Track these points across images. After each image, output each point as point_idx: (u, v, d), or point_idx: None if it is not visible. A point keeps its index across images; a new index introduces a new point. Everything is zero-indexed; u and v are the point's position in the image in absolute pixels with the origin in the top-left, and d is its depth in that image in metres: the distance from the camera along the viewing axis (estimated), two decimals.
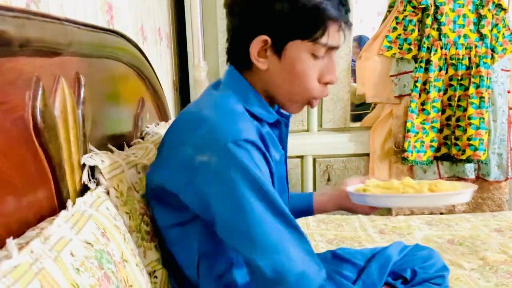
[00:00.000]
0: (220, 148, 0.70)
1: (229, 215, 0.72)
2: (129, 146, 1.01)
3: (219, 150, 0.71)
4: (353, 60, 2.46)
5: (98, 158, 0.75)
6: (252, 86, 0.83)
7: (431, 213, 2.20)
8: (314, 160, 2.38)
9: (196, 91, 2.18)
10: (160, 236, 0.86)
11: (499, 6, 2.12)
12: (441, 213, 2.17)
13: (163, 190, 0.80)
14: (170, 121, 1.42)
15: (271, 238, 0.70)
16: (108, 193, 0.75)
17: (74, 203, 0.65)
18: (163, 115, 1.45)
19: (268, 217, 0.70)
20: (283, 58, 0.79)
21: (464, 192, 0.87)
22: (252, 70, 0.83)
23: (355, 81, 2.61)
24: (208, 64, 2.18)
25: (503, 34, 2.16)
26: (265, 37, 0.78)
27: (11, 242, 0.45)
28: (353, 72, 2.49)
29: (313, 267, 0.73)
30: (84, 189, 0.74)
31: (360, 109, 2.89)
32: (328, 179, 2.39)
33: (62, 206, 0.66)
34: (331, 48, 0.80)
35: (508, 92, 2.27)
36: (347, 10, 0.80)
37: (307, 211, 1.12)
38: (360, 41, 3.34)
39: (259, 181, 0.70)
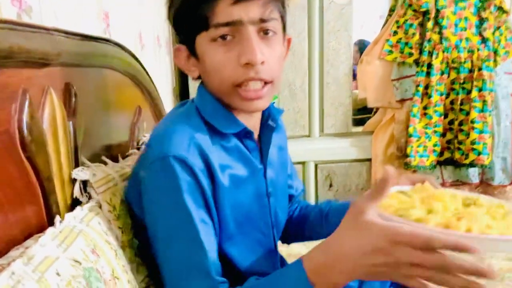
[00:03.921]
0: (149, 164, 0.71)
1: (150, 230, 0.73)
2: (126, 156, 0.99)
3: (148, 167, 0.72)
4: (354, 65, 2.44)
5: (89, 172, 0.73)
6: (213, 97, 0.80)
7: None
8: (316, 166, 2.36)
9: None
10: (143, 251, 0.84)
11: (500, 9, 2.10)
12: None
13: (129, 205, 0.80)
14: None
15: (173, 272, 0.70)
16: (100, 207, 0.73)
17: (64, 218, 0.63)
18: None
19: (175, 245, 0.70)
20: (199, 58, 0.77)
21: None
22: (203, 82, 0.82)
23: (356, 87, 2.59)
24: None
25: (506, 36, 2.14)
26: (177, 45, 0.79)
27: None
28: (354, 76, 2.47)
29: None
30: (76, 203, 0.72)
31: (362, 113, 2.87)
32: (330, 185, 2.37)
33: (52, 221, 0.64)
34: (233, 26, 0.71)
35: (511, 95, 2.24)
36: None
37: None
38: (361, 46, 3.32)
39: (178, 204, 0.69)
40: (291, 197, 1.06)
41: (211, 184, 0.74)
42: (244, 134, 0.81)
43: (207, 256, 0.69)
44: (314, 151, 2.34)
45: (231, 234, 0.78)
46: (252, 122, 0.83)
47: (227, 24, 0.71)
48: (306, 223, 1.03)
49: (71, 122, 0.74)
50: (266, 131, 0.86)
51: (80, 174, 0.71)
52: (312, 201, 2.37)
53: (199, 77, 0.82)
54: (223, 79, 0.74)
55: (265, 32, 0.73)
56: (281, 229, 0.96)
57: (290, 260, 1.20)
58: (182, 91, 2.27)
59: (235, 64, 0.72)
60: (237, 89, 0.74)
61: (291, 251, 1.73)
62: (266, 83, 0.75)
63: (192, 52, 0.77)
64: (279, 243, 1.10)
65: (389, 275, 0.56)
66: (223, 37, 0.72)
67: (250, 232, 0.82)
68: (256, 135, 0.85)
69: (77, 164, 0.75)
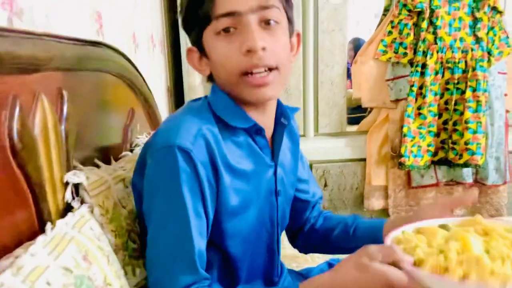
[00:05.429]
0: (155, 152, 0.74)
1: (145, 217, 0.76)
2: (118, 158, 0.99)
3: (153, 154, 0.74)
4: (348, 64, 2.44)
5: (82, 175, 0.73)
6: (225, 93, 0.81)
7: None
8: (310, 165, 2.36)
9: (191, 97, 2.16)
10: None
11: (494, 9, 2.10)
12: None
13: (138, 193, 0.81)
14: None
15: (160, 259, 0.71)
16: (92, 211, 0.73)
17: (55, 224, 0.63)
18: (155, 124, 1.43)
19: (166, 233, 0.72)
20: (208, 55, 0.79)
21: None
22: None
23: (351, 85, 2.59)
24: None
25: (499, 37, 2.15)
26: (189, 46, 0.82)
27: None
28: (349, 76, 2.47)
29: None
30: (68, 208, 0.72)
31: (356, 112, 2.87)
32: (325, 185, 2.37)
33: (44, 228, 0.63)
34: (233, 16, 0.73)
35: (505, 95, 2.25)
36: None
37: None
38: (356, 43, 3.32)
39: (175, 193, 0.71)
40: (307, 203, 1.04)
41: (215, 178, 0.74)
42: (254, 131, 0.81)
43: (194, 248, 0.70)
44: (309, 150, 2.33)
45: (237, 229, 0.79)
46: (265, 120, 0.83)
47: (227, 14, 0.73)
48: (331, 237, 1.00)
49: (63, 127, 0.73)
50: (279, 129, 0.87)
51: (73, 177, 0.70)
52: None
53: (211, 78, 0.83)
54: (229, 70, 0.76)
55: (267, 22, 0.75)
56: (283, 229, 0.96)
57: (288, 262, 1.20)
58: (176, 91, 2.26)
59: (238, 53, 0.74)
60: (244, 77, 0.75)
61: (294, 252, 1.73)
62: (271, 69, 0.76)
63: (202, 50, 0.80)
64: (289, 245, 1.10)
65: None
66: (226, 30, 0.74)
67: (255, 228, 0.83)
68: (269, 134, 0.86)
69: (69, 168, 0.75)
